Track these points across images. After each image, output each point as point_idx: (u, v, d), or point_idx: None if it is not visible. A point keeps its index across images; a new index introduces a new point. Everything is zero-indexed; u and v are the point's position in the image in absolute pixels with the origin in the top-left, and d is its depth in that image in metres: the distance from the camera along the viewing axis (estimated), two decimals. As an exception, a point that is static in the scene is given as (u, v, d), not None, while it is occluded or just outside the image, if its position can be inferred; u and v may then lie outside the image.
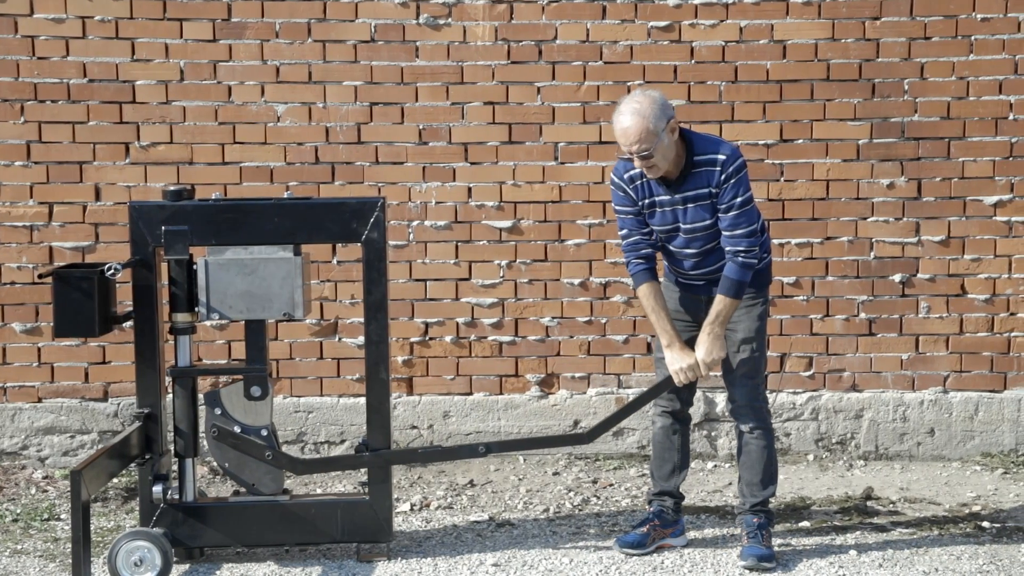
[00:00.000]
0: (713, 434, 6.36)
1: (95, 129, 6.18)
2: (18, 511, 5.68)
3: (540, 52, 6.22)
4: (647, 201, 4.89)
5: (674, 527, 5.16)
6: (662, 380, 5.06)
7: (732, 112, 6.22)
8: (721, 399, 6.30)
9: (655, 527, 5.11)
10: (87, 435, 6.28)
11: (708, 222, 4.85)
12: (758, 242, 4.87)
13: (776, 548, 5.01)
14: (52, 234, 6.21)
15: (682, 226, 4.88)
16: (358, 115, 6.22)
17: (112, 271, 4.73)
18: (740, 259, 4.82)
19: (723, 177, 4.79)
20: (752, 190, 4.88)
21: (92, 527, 5.01)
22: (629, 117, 4.70)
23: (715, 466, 6.30)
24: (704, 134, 4.95)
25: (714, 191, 4.81)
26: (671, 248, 4.97)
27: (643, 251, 4.95)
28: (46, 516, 5.62)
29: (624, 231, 4.97)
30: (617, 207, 4.97)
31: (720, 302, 4.85)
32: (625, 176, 4.90)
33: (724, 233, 4.84)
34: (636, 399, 5.16)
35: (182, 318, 4.94)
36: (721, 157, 4.80)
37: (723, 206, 4.81)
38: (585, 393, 6.35)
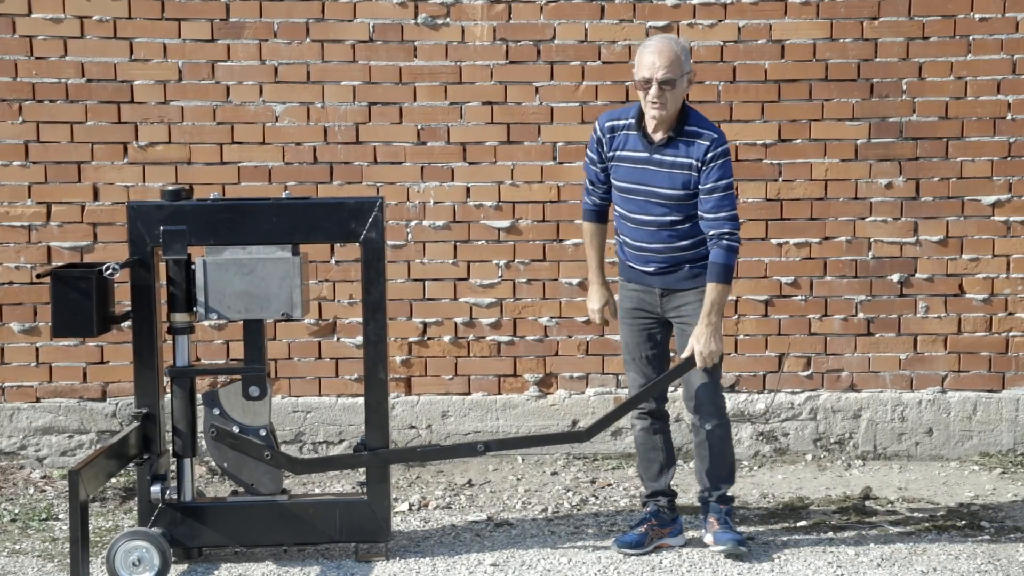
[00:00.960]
0: (711, 434, 6.36)
1: (93, 129, 6.18)
2: (16, 511, 5.68)
3: (538, 52, 6.22)
4: (619, 154, 4.93)
5: (672, 526, 5.17)
6: (659, 378, 5.06)
7: (730, 112, 6.23)
8: (719, 399, 6.31)
9: (653, 527, 5.12)
10: (85, 435, 6.28)
11: (675, 192, 4.85)
12: (739, 226, 4.88)
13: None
14: (50, 234, 6.21)
15: (648, 188, 4.88)
16: (356, 115, 6.22)
17: (110, 271, 4.73)
18: (725, 242, 4.82)
19: (710, 155, 4.81)
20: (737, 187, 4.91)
21: (90, 527, 5.01)
22: (663, 43, 4.82)
23: (713, 466, 6.30)
24: (701, 113, 4.99)
25: (697, 164, 4.82)
26: (625, 214, 4.97)
27: (596, 201, 5.12)
28: (44, 516, 5.62)
29: (586, 181, 5.14)
30: (587, 154, 5.09)
31: (712, 290, 4.83)
32: (607, 125, 4.97)
33: (707, 216, 4.83)
34: (633, 397, 5.15)
35: (180, 318, 4.94)
36: (713, 135, 4.85)
37: (707, 186, 4.82)
38: (583, 393, 6.35)
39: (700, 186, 4.83)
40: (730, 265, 4.85)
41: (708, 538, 5.07)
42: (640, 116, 4.92)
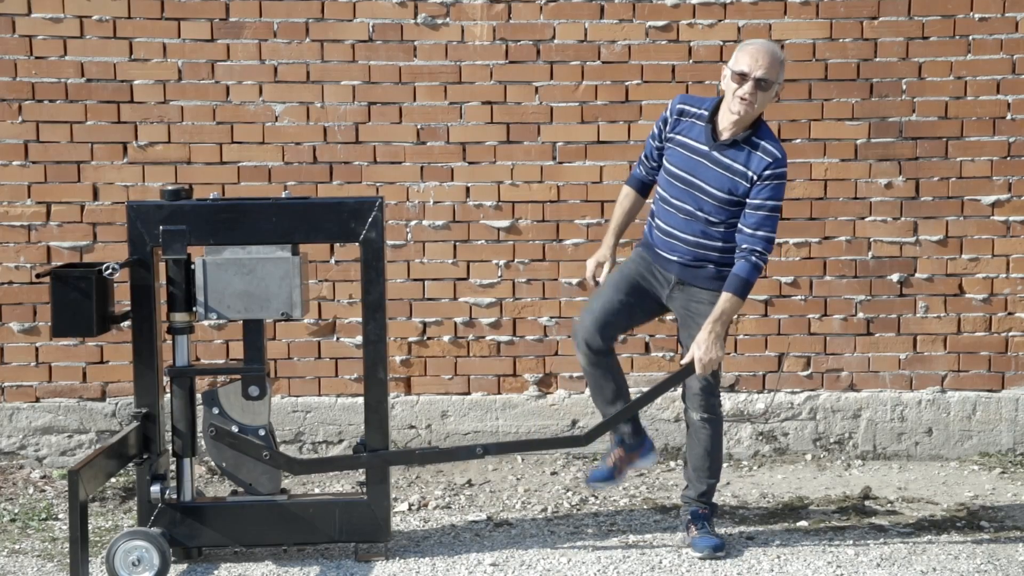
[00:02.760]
0: (711, 434, 6.36)
1: (93, 129, 6.18)
2: (16, 511, 5.68)
3: (538, 52, 6.22)
4: (677, 138, 4.91)
5: (639, 448, 5.15)
6: (659, 383, 5.06)
7: (730, 112, 6.22)
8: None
9: (620, 457, 5.13)
10: (85, 435, 6.28)
11: (721, 194, 4.82)
12: (771, 251, 4.85)
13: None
14: (50, 233, 6.21)
15: (697, 182, 4.85)
16: (356, 115, 6.22)
17: (110, 271, 4.73)
18: (754, 259, 4.79)
19: (767, 173, 4.77)
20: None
21: (90, 527, 5.00)
22: (768, 46, 4.84)
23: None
24: (772, 131, 4.96)
25: (752, 176, 4.78)
26: (667, 198, 4.95)
27: (643, 173, 5.12)
28: (44, 516, 5.61)
29: (642, 154, 5.13)
30: (652, 129, 5.08)
31: (726, 300, 4.80)
32: (678, 107, 4.97)
33: (745, 230, 4.80)
34: (634, 401, 5.15)
35: (180, 318, 4.94)
36: (777, 153, 4.81)
37: (756, 201, 4.78)
38: (583, 393, 6.35)
39: (749, 199, 4.80)
40: (751, 282, 4.81)
41: (688, 542, 5.07)
42: (715, 110, 4.88)
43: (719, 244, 4.90)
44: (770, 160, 4.79)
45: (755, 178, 4.79)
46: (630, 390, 5.19)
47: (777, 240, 6.17)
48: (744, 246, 4.80)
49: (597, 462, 5.28)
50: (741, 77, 4.76)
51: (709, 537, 5.03)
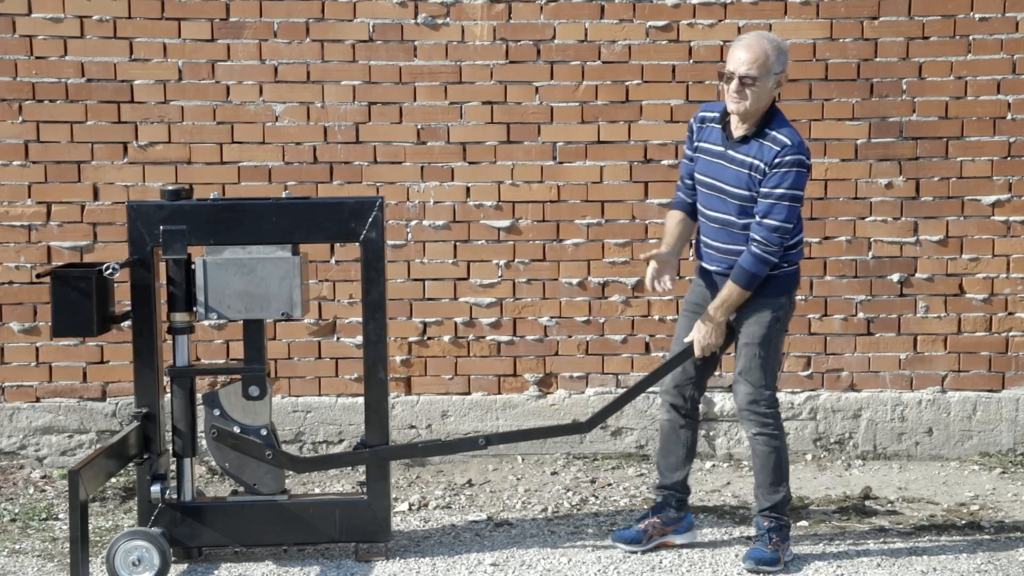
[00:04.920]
0: (712, 434, 6.37)
1: (93, 128, 6.18)
2: (16, 511, 5.68)
3: (538, 52, 6.22)
4: (701, 145, 4.90)
5: (676, 524, 5.14)
6: (659, 367, 5.06)
7: (730, 112, 6.22)
8: (719, 399, 6.31)
9: (654, 524, 5.10)
10: (85, 435, 6.28)
11: (739, 191, 4.79)
12: (782, 243, 4.76)
13: (789, 556, 4.98)
14: (50, 233, 6.21)
15: (718, 183, 4.84)
16: (356, 115, 6.22)
17: (110, 271, 4.73)
18: (755, 248, 4.73)
19: (777, 160, 4.71)
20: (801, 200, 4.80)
21: (90, 527, 5.00)
22: (755, 39, 4.78)
23: (713, 465, 6.30)
24: (789, 121, 4.91)
25: (763, 167, 4.73)
26: (701, 208, 4.93)
27: (683, 196, 5.05)
28: (44, 516, 5.61)
29: (680, 175, 5.09)
30: (684, 150, 5.05)
31: (727, 288, 4.79)
32: (699, 115, 4.97)
33: (755, 218, 4.75)
34: (635, 386, 5.13)
35: (180, 318, 4.94)
36: (787, 140, 4.75)
37: (765, 189, 4.73)
38: (583, 393, 6.35)
39: (761, 187, 4.74)
40: (755, 274, 4.75)
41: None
42: (726, 111, 4.88)
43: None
44: (779, 148, 4.73)
45: (766, 168, 4.74)
46: (630, 390, 5.18)
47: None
48: (751, 235, 4.76)
49: (629, 523, 5.27)
50: (728, 76, 4.76)
51: (759, 550, 4.92)
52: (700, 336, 4.85)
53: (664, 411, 5.15)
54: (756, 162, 4.76)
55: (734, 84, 4.72)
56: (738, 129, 4.82)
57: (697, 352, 4.88)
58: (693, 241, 5.16)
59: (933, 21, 6.21)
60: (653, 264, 4.99)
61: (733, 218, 4.83)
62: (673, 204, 5.14)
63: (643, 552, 5.04)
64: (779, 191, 4.72)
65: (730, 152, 4.82)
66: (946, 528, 5.40)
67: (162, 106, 6.18)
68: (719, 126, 4.87)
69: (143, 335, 4.92)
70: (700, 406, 5.18)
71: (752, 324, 4.88)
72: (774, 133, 4.77)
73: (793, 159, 4.72)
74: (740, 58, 4.73)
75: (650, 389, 5.25)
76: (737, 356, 4.94)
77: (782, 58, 4.79)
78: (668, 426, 5.13)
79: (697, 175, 4.93)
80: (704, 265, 5.00)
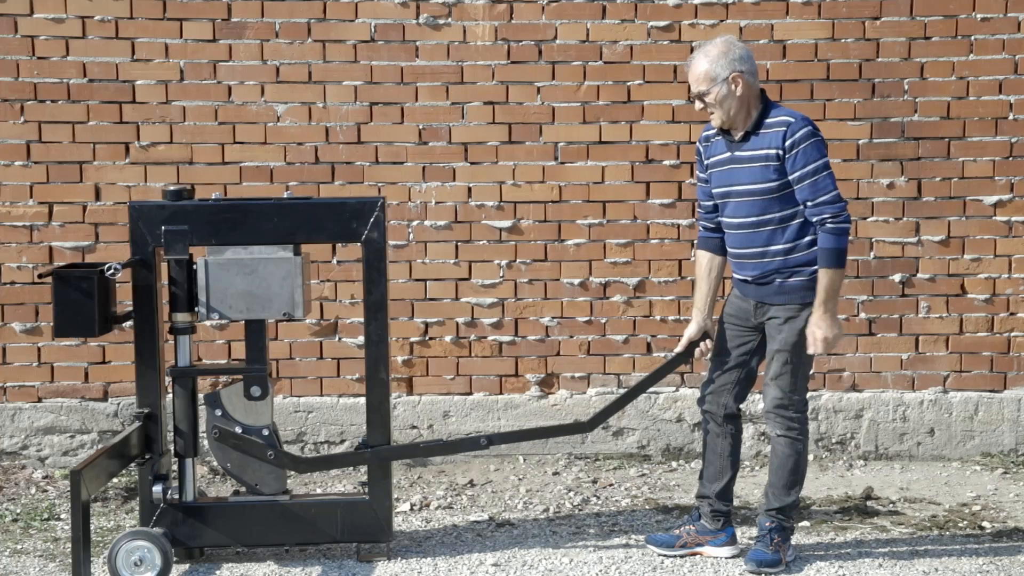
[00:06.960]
0: (713, 434, 6.36)
1: (95, 129, 6.18)
2: (18, 511, 5.68)
3: (540, 52, 6.22)
4: (710, 160, 4.92)
5: (712, 535, 5.07)
6: (659, 368, 5.07)
7: (732, 112, 6.22)
8: (721, 399, 6.31)
9: (689, 531, 5.07)
10: (87, 435, 6.28)
11: (756, 186, 4.78)
12: (844, 206, 4.73)
13: (790, 557, 4.97)
14: (52, 234, 6.21)
15: (734, 187, 4.84)
16: (358, 115, 6.23)
17: (112, 271, 4.73)
18: (828, 225, 4.71)
19: (789, 142, 4.71)
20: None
21: (92, 527, 5.01)
22: (696, 56, 4.84)
23: (715, 466, 6.29)
24: (785, 106, 4.93)
25: (779, 153, 4.73)
26: (724, 220, 4.92)
27: (707, 223, 5.03)
28: (46, 516, 5.62)
29: (697, 204, 5.11)
30: (697, 174, 5.07)
31: (823, 275, 4.73)
32: (703, 135, 5.00)
33: (807, 205, 4.73)
34: (636, 386, 5.13)
35: (182, 318, 4.94)
36: (790, 118, 4.75)
37: (796, 174, 4.72)
38: (585, 393, 6.35)
39: (789, 176, 4.74)
40: (839, 248, 4.72)
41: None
42: None
43: (776, 248, 4.82)
44: (784, 128, 4.74)
45: (780, 152, 4.74)
46: (631, 390, 5.18)
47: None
48: (814, 219, 4.73)
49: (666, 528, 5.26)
50: (693, 99, 4.87)
51: (760, 551, 4.91)
52: (820, 333, 4.77)
53: (703, 420, 5.14)
54: (768, 151, 4.76)
55: (698, 104, 4.84)
56: (736, 132, 4.85)
57: (824, 348, 4.79)
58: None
59: (935, 21, 6.21)
60: (688, 339, 5.04)
61: (754, 218, 4.83)
62: (698, 243, 5.10)
63: (673, 556, 5.01)
64: (811, 167, 4.72)
65: (737, 153, 4.83)
66: (948, 528, 5.39)
67: (164, 106, 6.18)
68: (719, 137, 4.91)
69: (145, 335, 4.92)
70: (740, 418, 5.11)
71: (784, 331, 4.86)
72: (773, 119, 4.79)
73: (803, 133, 4.73)
74: (690, 79, 4.85)
75: (651, 389, 5.26)
76: (769, 362, 4.91)
77: (728, 60, 4.76)
78: (710, 436, 5.11)
79: (714, 191, 4.93)
80: (736, 275, 5.00)
